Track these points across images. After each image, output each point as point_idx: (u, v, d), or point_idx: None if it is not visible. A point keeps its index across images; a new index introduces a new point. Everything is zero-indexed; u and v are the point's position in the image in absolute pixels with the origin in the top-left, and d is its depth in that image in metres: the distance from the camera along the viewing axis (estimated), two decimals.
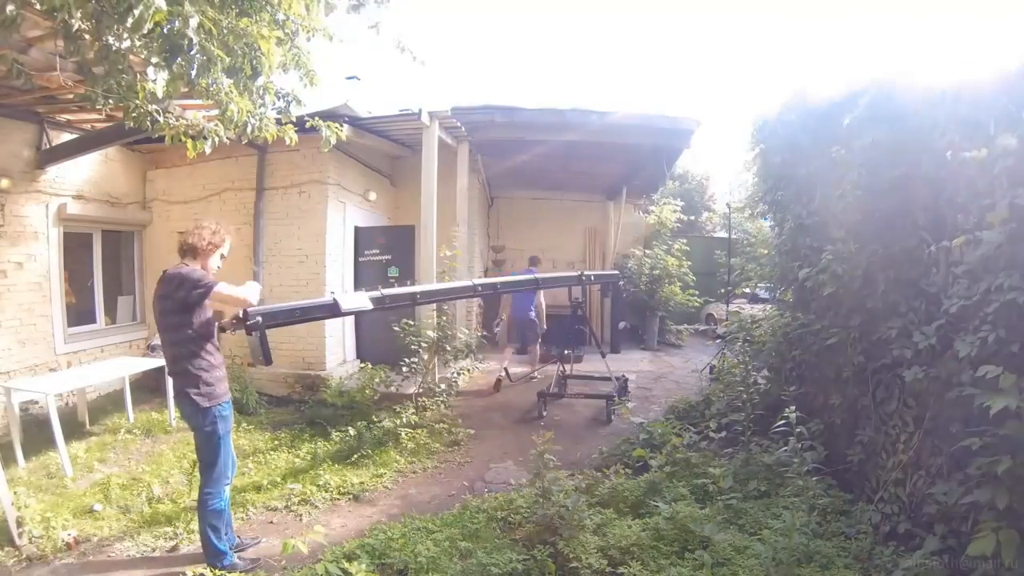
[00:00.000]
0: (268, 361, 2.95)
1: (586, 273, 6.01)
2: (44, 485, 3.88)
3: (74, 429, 4.89)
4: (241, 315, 2.84)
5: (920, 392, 2.86)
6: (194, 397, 2.75)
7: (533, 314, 7.19)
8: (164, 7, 2.12)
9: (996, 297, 2.24)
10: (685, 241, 10.92)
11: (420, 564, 2.81)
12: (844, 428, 3.66)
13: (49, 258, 5.41)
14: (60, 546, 3.10)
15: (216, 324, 2.87)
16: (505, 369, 7.17)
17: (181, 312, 2.72)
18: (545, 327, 7.54)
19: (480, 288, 4.63)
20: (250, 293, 2.87)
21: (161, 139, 3.19)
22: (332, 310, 3.29)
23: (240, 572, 2.84)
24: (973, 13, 2.77)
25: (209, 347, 2.81)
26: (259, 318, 2.84)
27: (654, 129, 7.16)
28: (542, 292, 7.06)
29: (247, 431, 5.19)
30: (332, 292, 6.54)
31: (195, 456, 2.98)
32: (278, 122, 3.46)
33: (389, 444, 4.72)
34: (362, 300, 3.46)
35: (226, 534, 2.95)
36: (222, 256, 3.02)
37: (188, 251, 2.89)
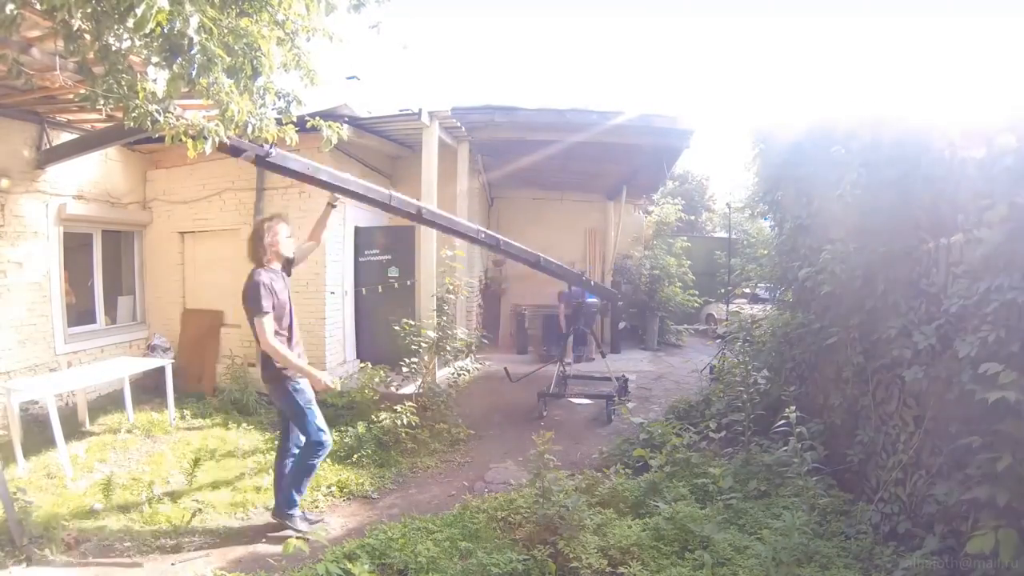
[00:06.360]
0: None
1: (586, 276, 6.02)
2: (44, 485, 3.88)
3: (74, 429, 4.89)
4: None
5: (920, 392, 2.86)
6: (265, 378, 3.33)
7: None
8: (167, 6, 2.11)
9: (996, 297, 2.24)
10: (685, 239, 10.90)
11: (420, 564, 2.81)
12: (844, 428, 3.66)
13: (49, 258, 5.41)
14: (60, 546, 3.10)
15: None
16: (505, 369, 7.16)
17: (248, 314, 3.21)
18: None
19: (484, 236, 4.79)
20: (272, 342, 3.17)
21: (161, 139, 3.16)
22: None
23: (301, 527, 3.32)
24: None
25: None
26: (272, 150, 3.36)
27: (654, 129, 7.14)
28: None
29: (247, 431, 5.19)
30: (332, 292, 6.58)
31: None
32: (278, 122, 3.45)
33: (389, 444, 4.72)
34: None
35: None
36: (276, 253, 3.35)
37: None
